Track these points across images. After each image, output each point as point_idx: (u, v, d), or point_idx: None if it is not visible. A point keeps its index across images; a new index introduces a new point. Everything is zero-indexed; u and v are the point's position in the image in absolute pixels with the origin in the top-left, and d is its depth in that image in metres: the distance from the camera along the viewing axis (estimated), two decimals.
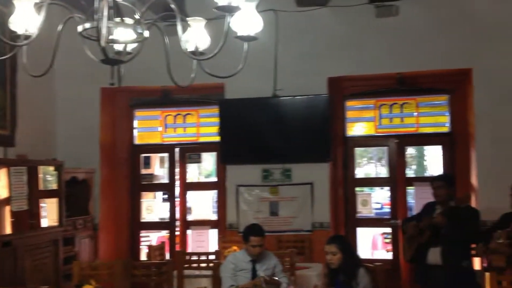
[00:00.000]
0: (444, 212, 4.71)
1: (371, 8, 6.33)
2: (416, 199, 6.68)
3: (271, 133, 6.55)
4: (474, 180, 6.22)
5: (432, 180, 5.04)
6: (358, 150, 7.48)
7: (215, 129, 7.05)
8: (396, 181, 6.77)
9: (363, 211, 6.98)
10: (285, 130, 6.52)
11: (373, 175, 16.10)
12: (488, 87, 6.08)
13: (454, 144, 6.56)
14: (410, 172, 13.00)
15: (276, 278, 4.37)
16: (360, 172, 11.73)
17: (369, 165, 18.32)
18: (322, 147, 6.46)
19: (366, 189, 7.78)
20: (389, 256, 7.41)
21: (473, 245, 4.91)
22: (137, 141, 7.53)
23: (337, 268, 4.11)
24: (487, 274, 4.01)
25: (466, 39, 6.17)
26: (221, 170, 7.09)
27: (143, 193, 7.75)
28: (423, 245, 4.80)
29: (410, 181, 6.93)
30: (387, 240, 8.70)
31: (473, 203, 5.86)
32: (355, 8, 6.29)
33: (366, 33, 6.45)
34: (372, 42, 6.42)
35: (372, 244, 10.06)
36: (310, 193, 6.54)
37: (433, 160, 15.32)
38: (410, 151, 14.92)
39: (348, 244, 4.33)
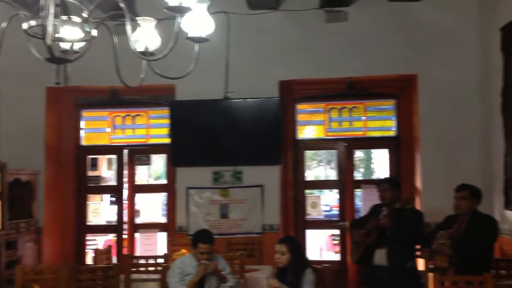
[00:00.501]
0: (389, 214, 4.84)
1: (321, 13, 6.42)
2: (363, 201, 6.80)
3: (222, 135, 6.53)
4: (418, 183, 6.40)
5: (378, 183, 5.19)
6: (308, 153, 7.55)
7: (165, 131, 6.98)
8: (345, 183, 6.88)
9: (312, 213, 7.05)
10: (236, 132, 6.52)
11: (322, 178, 16.28)
12: (432, 93, 6.27)
13: (400, 148, 6.73)
14: (358, 175, 13.24)
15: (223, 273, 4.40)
16: (310, 175, 11.86)
17: (319, 168, 18.56)
18: (273, 150, 6.49)
19: (315, 192, 7.90)
20: (337, 257, 7.53)
21: (418, 246, 5.05)
22: (84, 142, 7.36)
23: (284, 268, 4.18)
24: (430, 275, 4.13)
25: (411, 46, 6.35)
26: (171, 172, 7.02)
27: (90, 195, 7.56)
28: (369, 246, 4.92)
29: (358, 184, 7.03)
30: (335, 242, 8.84)
31: (418, 205, 6.05)
32: (305, 13, 6.38)
33: (317, 37, 6.53)
34: (322, 46, 6.51)
35: (320, 246, 10.20)
36: (260, 195, 6.56)
37: (380, 163, 15.67)
38: (358, 154, 15.20)
39: (298, 246, 4.40)
